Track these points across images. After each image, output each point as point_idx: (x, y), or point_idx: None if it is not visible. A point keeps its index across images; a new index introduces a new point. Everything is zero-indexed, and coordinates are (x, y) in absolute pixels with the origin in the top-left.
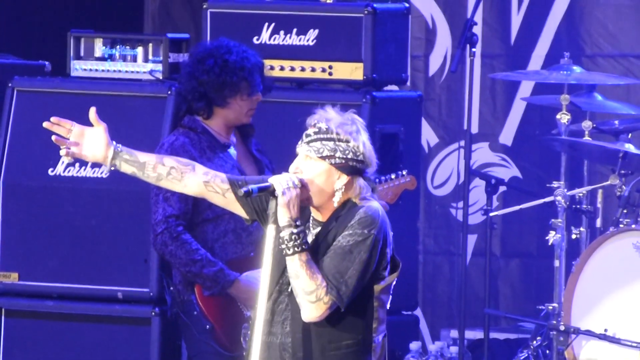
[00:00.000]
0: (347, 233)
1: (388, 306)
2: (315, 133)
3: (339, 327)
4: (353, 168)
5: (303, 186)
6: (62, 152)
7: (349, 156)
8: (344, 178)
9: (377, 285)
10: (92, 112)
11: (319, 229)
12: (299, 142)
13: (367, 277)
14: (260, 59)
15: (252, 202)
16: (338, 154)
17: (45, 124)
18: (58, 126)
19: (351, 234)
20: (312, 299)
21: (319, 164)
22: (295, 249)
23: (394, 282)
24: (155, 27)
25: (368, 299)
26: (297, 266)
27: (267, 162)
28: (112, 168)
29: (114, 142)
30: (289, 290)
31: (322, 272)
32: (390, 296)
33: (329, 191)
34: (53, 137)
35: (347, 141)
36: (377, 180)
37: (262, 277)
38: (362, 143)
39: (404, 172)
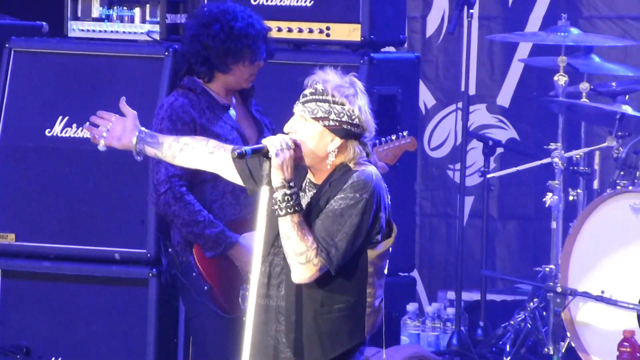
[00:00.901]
0: (339, 197)
1: (386, 271)
2: (311, 94)
3: (332, 290)
4: (347, 131)
5: (296, 147)
6: (101, 146)
7: (344, 119)
8: (337, 141)
9: (373, 251)
10: (122, 102)
11: (314, 191)
12: (296, 102)
13: (359, 241)
14: (265, 25)
15: (249, 169)
16: (332, 116)
17: (91, 118)
18: (102, 119)
19: (343, 197)
20: (301, 260)
21: (313, 125)
22: (288, 209)
23: (391, 248)
24: None
25: (362, 263)
26: (288, 227)
27: (267, 122)
28: (138, 152)
29: (139, 128)
30: (282, 253)
31: (314, 234)
32: (387, 261)
33: (322, 153)
34: (86, 127)
35: (343, 104)
36: (378, 141)
37: (256, 239)
38: (359, 107)
39: (405, 133)
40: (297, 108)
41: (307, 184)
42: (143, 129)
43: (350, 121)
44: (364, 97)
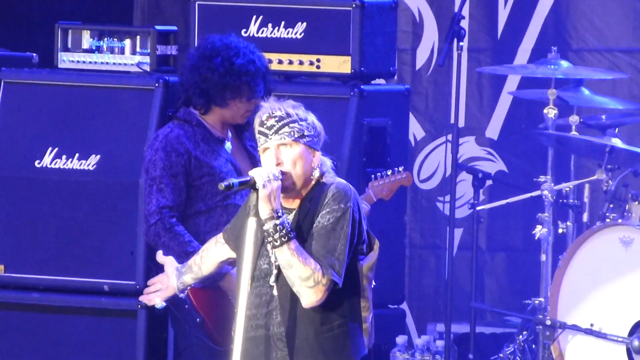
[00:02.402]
0: (325, 212)
1: (373, 284)
2: (277, 121)
3: (329, 307)
4: (318, 142)
5: (284, 175)
6: (157, 304)
7: (312, 133)
8: (317, 154)
9: (366, 265)
10: (160, 254)
11: (291, 216)
12: (262, 141)
13: (352, 251)
14: (266, 63)
15: (233, 236)
16: (306, 132)
17: (145, 292)
18: (153, 285)
19: (329, 211)
20: (310, 284)
21: (296, 147)
22: (282, 239)
23: (375, 260)
24: (145, 20)
25: (355, 277)
26: (288, 255)
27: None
28: (180, 289)
29: (176, 266)
30: (270, 282)
31: (312, 255)
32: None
33: (309, 171)
34: (143, 299)
35: (305, 119)
36: (373, 176)
37: (244, 269)
38: (313, 118)
39: (400, 169)
40: (272, 141)
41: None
42: (178, 265)
43: (317, 133)
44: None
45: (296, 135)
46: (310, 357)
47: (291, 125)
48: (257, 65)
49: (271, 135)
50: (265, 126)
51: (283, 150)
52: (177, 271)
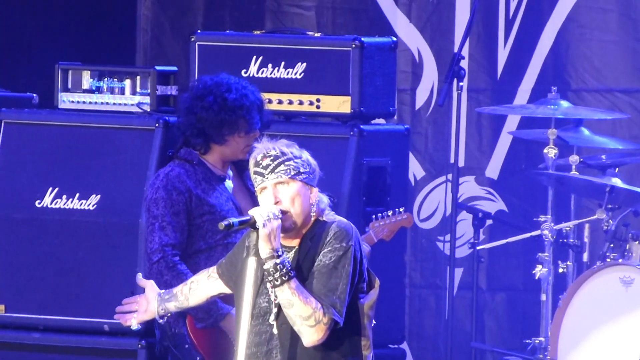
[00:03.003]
0: (327, 250)
1: (373, 323)
2: (272, 160)
3: (330, 346)
4: (314, 179)
5: (284, 215)
6: (133, 325)
7: (308, 170)
8: (314, 191)
9: (366, 303)
10: (140, 277)
11: (291, 254)
12: (259, 181)
13: (353, 290)
14: (260, 96)
15: (228, 272)
16: (302, 169)
17: (117, 310)
18: (129, 305)
19: (330, 250)
20: (311, 323)
21: (293, 185)
22: (283, 278)
23: (376, 299)
24: (147, 60)
25: (356, 315)
26: (288, 294)
27: None
28: (161, 315)
29: (158, 291)
30: (270, 320)
31: (313, 294)
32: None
33: (307, 208)
34: (117, 317)
35: (300, 157)
36: (374, 216)
37: (244, 308)
38: (307, 155)
39: (401, 210)
40: (270, 179)
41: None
42: (161, 291)
43: (312, 170)
44: None
45: (292, 173)
46: None
47: (287, 163)
48: (251, 99)
49: (267, 174)
50: (260, 166)
51: (280, 189)
52: (159, 297)
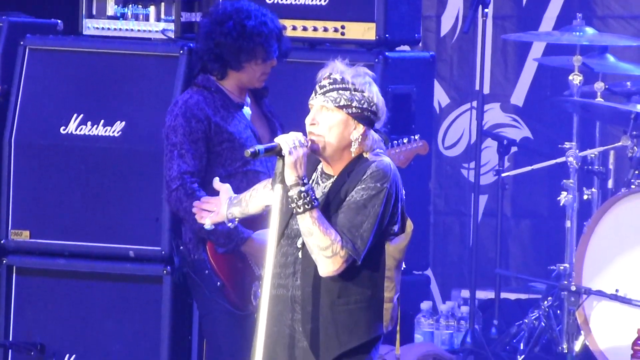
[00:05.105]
0: (360, 187)
1: (403, 266)
2: (330, 84)
3: (349, 282)
4: (368, 119)
5: (310, 143)
6: (207, 224)
7: (365, 106)
8: (360, 128)
9: (396, 245)
10: (216, 181)
11: (328, 182)
12: (312, 96)
13: (380, 231)
14: (279, 24)
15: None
16: (355, 104)
17: (195, 205)
18: (208, 204)
19: (364, 188)
20: (328, 254)
21: (336, 114)
22: (306, 206)
23: (407, 244)
24: None
25: (379, 255)
26: (309, 223)
27: (279, 125)
28: (229, 219)
29: (230, 195)
30: (298, 244)
31: (337, 227)
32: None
33: (345, 142)
34: (195, 212)
35: (362, 91)
36: (390, 144)
37: (270, 235)
38: (375, 94)
39: (417, 137)
40: (317, 99)
41: (320, 175)
42: (232, 195)
43: (370, 108)
44: (376, 86)
45: (341, 103)
46: (321, 326)
47: (341, 92)
48: (270, 27)
49: (319, 94)
50: (319, 84)
51: (324, 113)
52: (229, 200)
